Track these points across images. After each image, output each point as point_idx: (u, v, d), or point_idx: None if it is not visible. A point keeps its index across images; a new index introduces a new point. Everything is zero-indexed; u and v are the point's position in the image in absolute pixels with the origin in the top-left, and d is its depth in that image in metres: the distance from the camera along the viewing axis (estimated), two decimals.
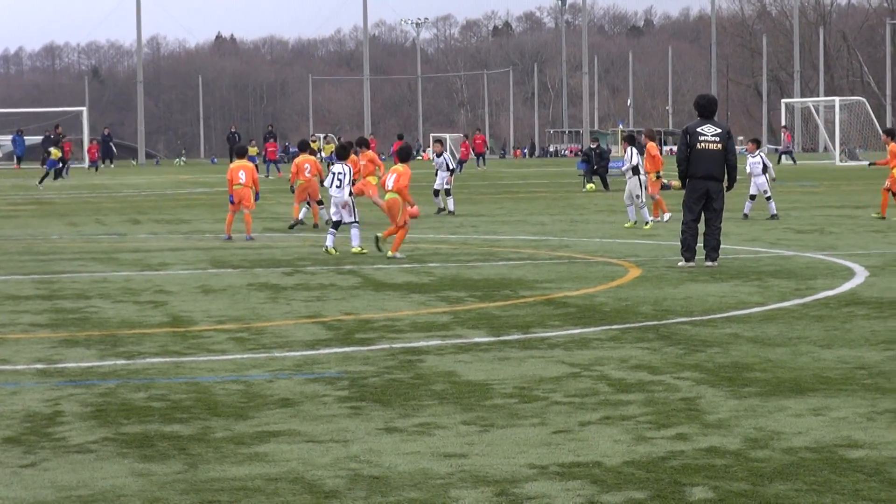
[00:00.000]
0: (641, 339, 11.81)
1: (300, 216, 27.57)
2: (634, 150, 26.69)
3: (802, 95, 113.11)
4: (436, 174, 33.31)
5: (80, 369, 10.64)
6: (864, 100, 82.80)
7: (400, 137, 72.62)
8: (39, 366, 10.82)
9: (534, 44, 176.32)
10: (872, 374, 9.95)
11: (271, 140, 67.70)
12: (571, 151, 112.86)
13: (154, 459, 7.58)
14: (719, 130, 18.23)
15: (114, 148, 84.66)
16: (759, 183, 29.18)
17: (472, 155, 75.27)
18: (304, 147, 28.80)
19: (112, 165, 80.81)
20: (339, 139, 62.57)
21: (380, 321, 13.22)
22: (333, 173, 21.32)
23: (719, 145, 18.16)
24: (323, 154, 65.58)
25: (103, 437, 8.16)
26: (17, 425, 8.56)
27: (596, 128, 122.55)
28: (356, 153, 26.06)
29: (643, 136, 28.67)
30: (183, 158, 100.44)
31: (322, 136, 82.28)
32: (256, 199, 25.25)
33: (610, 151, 54.43)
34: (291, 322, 13.29)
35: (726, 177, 18.28)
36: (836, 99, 79.97)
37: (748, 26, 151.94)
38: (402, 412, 8.79)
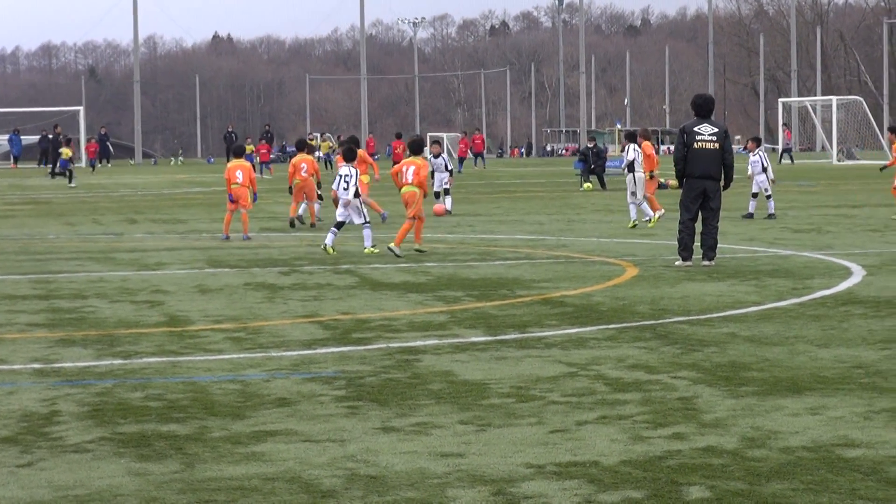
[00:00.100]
0: (638, 339, 11.80)
1: (300, 212, 27.57)
2: (632, 146, 26.74)
3: (799, 95, 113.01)
4: (431, 175, 33.22)
5: (77, 369, 10.63)
6: (862, 99, 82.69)
7: (398, 136, 72.66)
8: (36, 365, 10.81)
9: (531, 43, 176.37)
10: (869, 374, 9.95)
11: (264, 142, 67.03)
12: (568, 151, 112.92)
13: (151, 459, 7.58)
14: (716, 130, 18.24)
15: (111, 147, 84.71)
16: (760, 181, 29.17)
17: (469, 154, 75.23)
18: (302, 146, 28.72)
19: (109, 165, 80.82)
20: (338, 138, 62.57)
21: (377, 321, 13.21)
22: (340, 175, 21.31)
23: (716, 144, 18.16)
24: (320, 153, 65.56)
25: (100, 437, 8.16)
26: (14, 425, 8.55)
27: (593, 127, 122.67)
28: None
29: (638, 135, 28.69)
30: (180, 158, 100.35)
31: (319, 134, 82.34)
32: (254, 199, 25.28)
33: (607, 151, 54.42)
34: (288, 321, 13.28)
35: (723, 176, 18.32)
36: (834, 98, 79.92)
37: (745, 25, 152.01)
38: (399, 412, 8.79)
